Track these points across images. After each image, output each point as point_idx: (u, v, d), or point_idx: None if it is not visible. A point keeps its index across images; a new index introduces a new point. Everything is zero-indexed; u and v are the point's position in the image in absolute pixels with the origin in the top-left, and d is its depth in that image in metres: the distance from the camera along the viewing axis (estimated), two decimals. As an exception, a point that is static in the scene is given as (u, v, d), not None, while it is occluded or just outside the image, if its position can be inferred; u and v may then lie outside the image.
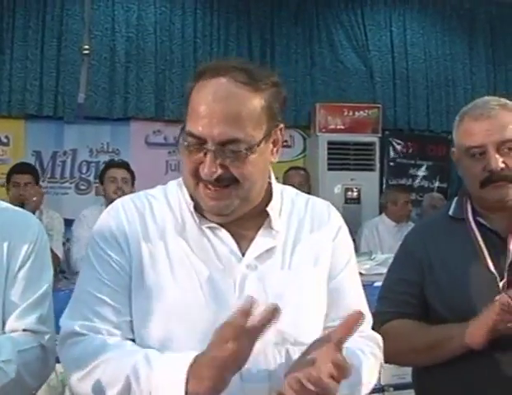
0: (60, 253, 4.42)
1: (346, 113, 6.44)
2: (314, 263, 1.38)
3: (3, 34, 5.72)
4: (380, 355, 1.43)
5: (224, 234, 1.34)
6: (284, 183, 3.67)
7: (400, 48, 6.80)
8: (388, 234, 5.32)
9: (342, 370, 1.13)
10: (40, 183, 4.95)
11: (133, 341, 1.31)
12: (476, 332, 1.58)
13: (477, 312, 1.60)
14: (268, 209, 1.37)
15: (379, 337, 1.45)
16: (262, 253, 1.34)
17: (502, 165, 1.68)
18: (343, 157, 6.33)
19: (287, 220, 1.40)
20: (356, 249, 3.62)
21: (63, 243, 4.65)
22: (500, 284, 1.65)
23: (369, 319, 1.45)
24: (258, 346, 1.16)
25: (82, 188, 6.03)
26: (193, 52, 6.20)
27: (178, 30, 6.18)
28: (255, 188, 1.32)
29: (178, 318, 1.28)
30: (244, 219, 1.35)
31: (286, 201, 1.43)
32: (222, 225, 1.34)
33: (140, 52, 6.06)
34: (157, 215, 1.37)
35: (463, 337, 1.60)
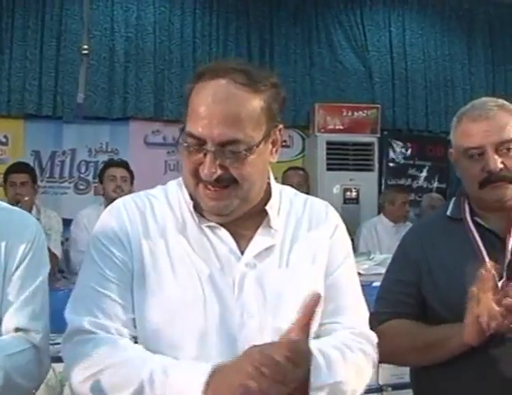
0: (59, 253, 4.43)
1: (345, 114, 6.44)
2: (312, 261, 1.40)
3: (2, 34, 5.72)
4: (372, 353, 1.42)
5: (223, 233, 1.35)
6: (283, 183, 3.67)
7: (399, 49, 6.80)
8: (386, 235, 5.33)
9: (297, 354, 1.10)
10: (39, 182, 4.96)
11: (136, 338, 1.31)
12: (468, 328, 1.58)
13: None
14: (267, 208, 1.38)
15: (372, 335, 1.44)
16: (261, 252, 1.36)
17: (501, 166, 1.69)
18: (342, 157, 6.34)
19: (286, 219, 1.41)
20: (355, 249, 3.63)
21: (62, 243, 4.65)
22: (499, 283, 1.66)
23: (365, 317, 1.46)
24: (257, 342, 1.16)
25: (81, 187, 6.03)
26: (192, 52, 6.20)
27: (177, 30, 6.18)
28: (254, 188, 1.34)
29: (177, 315, 1.29)
30: (243, 218, 1.36)
31: (284, 200, 1.44)
32: (222, 225, 1.35)
33: (139, 52, 6.06)
34: (158, 214, 1.38)
35: (462, 336, 1.60)
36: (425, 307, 1.77)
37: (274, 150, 1.36)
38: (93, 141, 6.02)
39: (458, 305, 1.64)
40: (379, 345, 1.46)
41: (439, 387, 1.73)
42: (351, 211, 5.93)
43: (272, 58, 6.44)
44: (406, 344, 1.73)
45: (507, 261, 1.69)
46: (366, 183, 6.37)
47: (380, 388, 2.86)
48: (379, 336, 1.46)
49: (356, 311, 1.43)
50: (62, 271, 4.49)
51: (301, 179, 5.15)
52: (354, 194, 6.35)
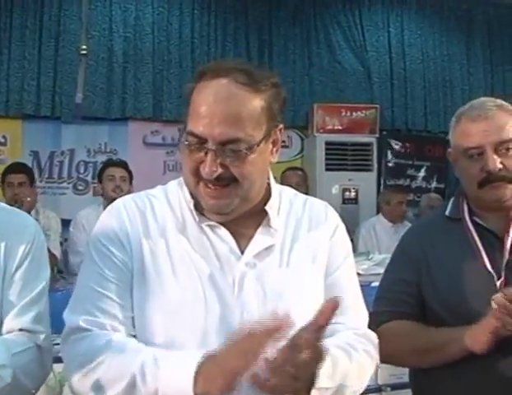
0: (58, 253, 4.43)
1: (343, 114, 6.44)
2: (312, 261, 1.40)
3: (0, 34, 5.72)
4: (375, 354, 1.43)
5: (223, 232, 1.35)
6: (281, 183, 3.65)
7: (398, 49, 6.81)
8: (385, 235, 5.33)
9: (318, 352, 1.13)
10: (38, 183, 4.96)
11: (135, 337, 1.32)
12: (478, 337, 1.58)
13: (475, 311, 1.61)
14: (267, 208, 1.39)
15: (374, 336, 1.45)
16: (261, 251, 1.36)
17: (500, 166, 1.69)
18: (341, 158, 6.34)
19: (285, 219, 1.42)
20: (354, 249, 3.63)
21: (61, 243, 4.65)
22: (498, 283, 1.66)
23: (365, 318, 1.47)
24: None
25: (80, 188, 6.03)
26: (190, 52, 6.20)
27: (175, 31, 6.19)
28: (254, 187, 1.34)
29: (178, 315, 1.29)
30: (243, 217, 1.36)
31: (284, 201, 1.45)
32: (222, 224, 1.36)
33: (138, 52, 6.07)
34: (158, 213, 1.38)
35: (464, 341, 1.60)
36: (424, 307, 1.77)
37: (274, 149, 1.37)
38: (92, 141, 6.02)
39: (457, 305, 1.65)
40: (379, 346, 1.46)
41: (439, 387, 1.73)
42: (349, 212, 5.93)
43: (271, 58, 6.45)
44: (405, 346, 1.73)
45: (505, 260, 1.69)
46: (365, 183, 6.38)
47: (379, 388, 2.85)
48: (378, 337, 1.47)
49: (356, 311, 1.44)
50: (60, 271, 4.49)
51: (300, 180, 5.15)
52: (353, 194, 6.35)
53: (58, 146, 5.96)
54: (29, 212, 3.85)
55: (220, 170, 1.27)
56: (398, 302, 1.78)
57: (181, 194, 1.40)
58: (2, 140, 5.82)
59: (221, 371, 1.13)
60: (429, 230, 1.85)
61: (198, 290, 1.31)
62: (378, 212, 5.73)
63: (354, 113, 6.45)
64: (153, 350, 1.25)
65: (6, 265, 1.46)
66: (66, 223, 4.76)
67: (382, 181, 6.53)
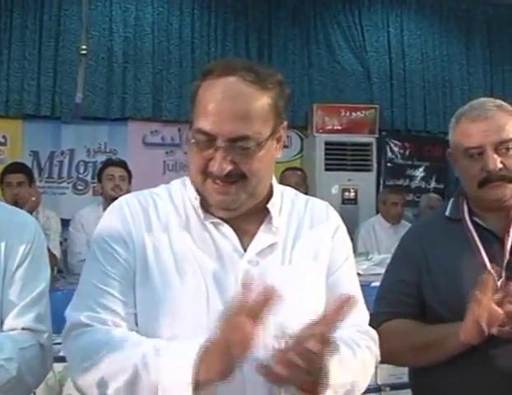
0: (57, 253, 4.43)
1: (343, 114, 6.45)
2: (314, 258, 1.41)
3: (1, 34, 5.73)
4: (376, 351, 1.44)
5: (227, 229, 1.36)
6: (281, 183, 3.64)
7: (397, 49, 6.81)
8: (384, 235, 5.32)
9: (329, 344, 1.14)
10: (38, 183, 4.96)
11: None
12: (467, 327, 1.59)
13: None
14: (269, 206, 1.40)
15: (375, 333, 1.46)
16: (263, 249, 1.37)
17: (500, 166, 1.69)
18: (340, 158, 6.34)
19: (287, 219, 1.43)
20: (353, 250, 3.63)
21: (61, 243, 4.66)
22: (498, 283, 1.66)
23: (366, 316, 1.47)
24: (259, 339, 1.17)
25: (80, 188, 6.03)
26: (190, 52, 6.20)
27: (175, 31, 6.19)
28: (261, 183, 1.36)
29: (180, 311, 1.30)
30: (246, 214, 1.37)
31: (286, 201, 1.46)
32: (225, 221, 1.36)
33: (137, 52, 6.07)
34: (161, 211, 1.39)
35: (461, 335, 1.60)
36: (424, 307, 1.77)
37: (278, 146, 1.39)
38: (91, 141, 6.02)
39: (457, 305, 1.65)
40: (379, 345, 1.47)
41: (438, 387, 1.74)
42: (349, 212, 5.93)
43: (271, 58, 6.44)
44: (404, 343, 1.74)
45: (506, 260, 1.69)
46: (364, 183, 6.38)
47: (379, 388, 2.85)
48: (379, 337, 1.47)
49: (357, 311, 1.44)
50: (60, 271, 4.50)
51: (299, 180, 5.14)
52: (352, 194, 6.35)
53: (58, 146, 5.96)
54: (31, 212, 3.86)
55: (230, 167, 1.29)
56: (398, 303, 1.79)
57: (184, 193, 1.40)
58: (2, 140, 5.82)
59: (219, 355, 1.14)
60: (429, 231, 1.86)
61: (201, 287, 1.31)
62: (377, 212, 5.73)
63: (353, 114, 6.45)
64: (154, 341, 1.26)
65: (7, 264, 1.47)
66: (66, 223, 4.76)
67: (381, 181, 6.53)
